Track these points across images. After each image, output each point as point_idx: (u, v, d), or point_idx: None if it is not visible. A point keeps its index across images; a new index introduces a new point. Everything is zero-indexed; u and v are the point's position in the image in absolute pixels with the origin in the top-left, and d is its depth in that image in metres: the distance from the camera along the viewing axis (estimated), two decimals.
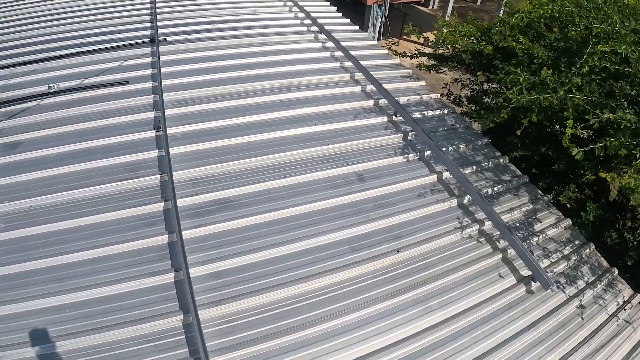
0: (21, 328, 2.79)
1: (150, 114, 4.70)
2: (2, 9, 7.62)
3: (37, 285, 3.04)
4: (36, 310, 2.89)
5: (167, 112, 4.67)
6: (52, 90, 4.96)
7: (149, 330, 2.83)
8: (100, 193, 3.78)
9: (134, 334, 2.81)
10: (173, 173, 3.88)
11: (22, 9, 7.61)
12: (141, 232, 3.45)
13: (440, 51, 6.56)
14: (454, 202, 4.13)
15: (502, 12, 5.40)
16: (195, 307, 2.83)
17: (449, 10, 16.30)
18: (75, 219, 3.52)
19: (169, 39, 6.24)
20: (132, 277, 3.12)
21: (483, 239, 3.87)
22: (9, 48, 6.10)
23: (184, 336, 2.82)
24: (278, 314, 3.01)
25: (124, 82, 5.19)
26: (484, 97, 6.27)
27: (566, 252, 3.95)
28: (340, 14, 8.23)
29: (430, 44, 6.08)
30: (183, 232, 3.35)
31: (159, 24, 6.65)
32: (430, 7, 20.05)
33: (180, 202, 3.65)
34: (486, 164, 4.74)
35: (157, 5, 7.42)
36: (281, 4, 8.18)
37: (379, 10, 13.55)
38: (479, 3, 21.20)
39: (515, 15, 5.14)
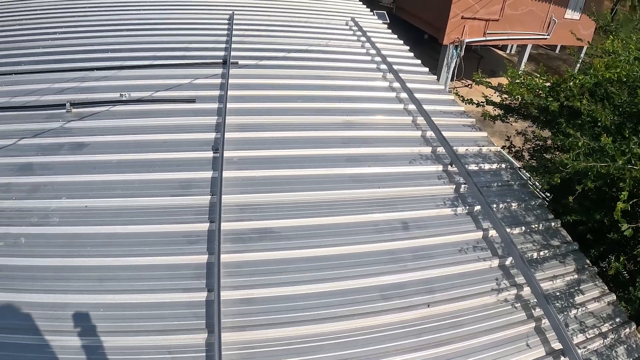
0: (56, 317, 2.99)
1: (212, 135, 4.85)
2: (89, 15, 8.13)
3: (78, 281, 3.25)
4: (73, 304, 3.08)
5: (228, 135, 4.81)
6: (123, 98, 5.25)
7: (173, 342, 2.95)
8: (152, 204, 3.96)
9: (159, 343, 2.93)
10: (223, 196, 4.00)
11: (107, 15, 8.12)
12: (183, 248, 3.59)
13: (508, 101, 6.47)
14: (495, 262, 4.03)
15: (579, 65, 5.26)
16: (220, 328, 2.92)
17: (526, 56, 16.00)
18: (124, 225, 3.72)
19: (240, 62, 6.47)
20: (167, 289, 3.26)
21: (518, 304, 3.74)
22: (90, 52, 6.49)
23: (204, 354, 2.90)
24: (299, 349, 3.04)
25: (192, 100, 5.43)
26: (545, 153, 6.11)
27: (604, 329, 3.75)
28: (411, 54, 8.27)
29: (503, 88, 5.99)
30: (222, 256, 3.47)
31: (232, 46, 6.91)
32: (508, 51, 19.77)
33: (225, 226, 3.76)
34: (536, 226, 4.60)
35: (234, 28, 7.73)
36: (354, 38, 8.35)
37: (455, 50, 13.51)
38: (557, 51, 20.71)
39: (580, 77, 5.00)
